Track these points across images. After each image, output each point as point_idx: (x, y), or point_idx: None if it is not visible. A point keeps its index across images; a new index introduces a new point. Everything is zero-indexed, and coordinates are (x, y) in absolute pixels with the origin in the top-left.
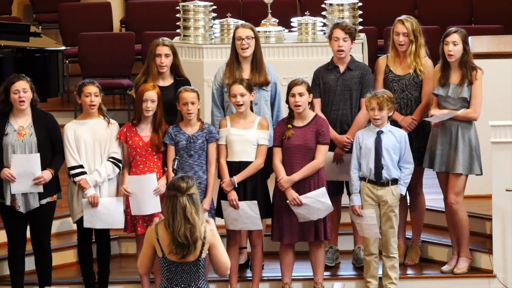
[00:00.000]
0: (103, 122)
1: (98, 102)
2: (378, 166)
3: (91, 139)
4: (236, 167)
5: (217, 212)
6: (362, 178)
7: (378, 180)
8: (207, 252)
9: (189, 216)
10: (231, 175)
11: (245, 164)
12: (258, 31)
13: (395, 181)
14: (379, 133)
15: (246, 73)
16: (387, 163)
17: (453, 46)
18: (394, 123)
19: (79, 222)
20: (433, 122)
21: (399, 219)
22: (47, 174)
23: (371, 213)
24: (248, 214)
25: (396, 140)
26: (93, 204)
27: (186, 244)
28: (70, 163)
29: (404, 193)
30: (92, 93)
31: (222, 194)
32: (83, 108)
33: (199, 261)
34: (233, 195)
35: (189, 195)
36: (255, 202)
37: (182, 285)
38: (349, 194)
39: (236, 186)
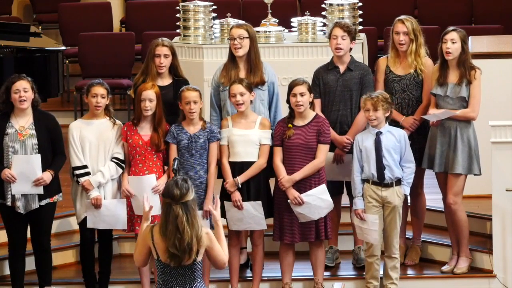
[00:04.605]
0: (109, 123)
1: (104, 103)
2: (380, 166)
3: (96, 139)
4: (239, 167)
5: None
6: (365, 180)
7: (381, 181)
8: (203, 254)
9: (180, 225)
10: (234, 176)
11: (248, 164)
12: (258, 31)
13: (399, 182)
14: (378, 134)
15: (242, 73)
16: (389, 163)
17: (451, 43)
18: (396, 123)
19: (82, 223)
20: (431, 122)
21: None
22: (47, 176)
23: (374, 218)
24: (252, 215)
25: (396, 140)
26: (96, 206)
27: (177, 254)
28: (74, 163)
29: (408, 193)
30: (99, 94)
31: (225, 195)
32: (89, 108)
33: (195, 265)
34: (237, 195)
35: (183, 203)
36: (260, 202)
37: (177, 287)
38: (349, 194)
39: (240, 186)
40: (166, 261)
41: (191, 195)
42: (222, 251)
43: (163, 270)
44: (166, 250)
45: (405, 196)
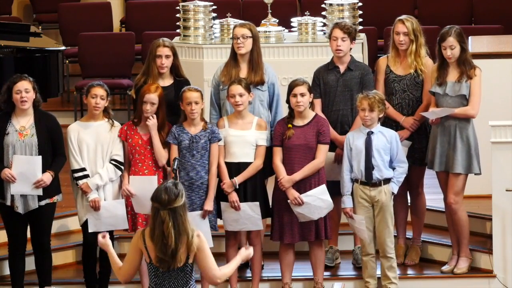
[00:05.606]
0: (107, 124)
1: (103, 105)
2: (369, 166)
3: (94, 142)
4: (235, 168)
5: (218, 213)
6: (354, 180)
7: (369, 180)
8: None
9: (165, 231)
10: (230, 176)
11: (244, 165)
12: (258, 31)
13: (387, 181)
14: (369, 133)
15: (243, 72)
16: (378, 163)
17: (450, 50)
18: (396, 123)
19: (85, 225)
20: (431, 120)
21: (399, 219)
22: (47, 177)
23: (360, 219)
24: (249, 215)
25: (386, 141)
26: (95, 208)
27: (164, 258)
28: (73, 166)
29: (396, 192)
30: (99, 95)
31: (221, 196)
32: (88, 109)
33: (187, 267)
34: (234, 196)
35: (170, 209)
36: (257, 203)
37: None
38: None
39: (238, 187)
40: (156, 264)
41: (180, 201)
42: (212, 259)
43: (155, 274)
44: (156, 255)
45: (394, 194)
